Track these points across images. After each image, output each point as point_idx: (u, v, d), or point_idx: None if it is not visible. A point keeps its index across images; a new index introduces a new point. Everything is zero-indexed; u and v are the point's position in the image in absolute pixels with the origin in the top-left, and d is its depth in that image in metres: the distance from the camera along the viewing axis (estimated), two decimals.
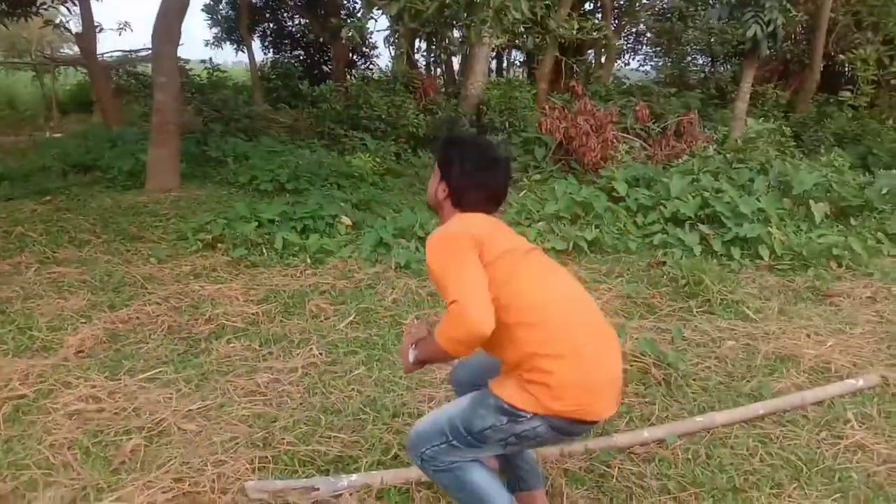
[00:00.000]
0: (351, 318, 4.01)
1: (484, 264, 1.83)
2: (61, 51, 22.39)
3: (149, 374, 3.23)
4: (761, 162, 7.62)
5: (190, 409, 2.92)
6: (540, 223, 5.89)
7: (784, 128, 9.79)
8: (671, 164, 7.98)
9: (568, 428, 1.86)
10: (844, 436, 2.84)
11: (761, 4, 8.97)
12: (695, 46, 15.62)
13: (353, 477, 2.44)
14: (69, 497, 2.33)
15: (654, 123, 9.35)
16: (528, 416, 1.82)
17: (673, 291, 4.64)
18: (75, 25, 13.71)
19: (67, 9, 12.77)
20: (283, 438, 2.70)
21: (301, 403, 3.02)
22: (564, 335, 1.83)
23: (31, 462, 2.51)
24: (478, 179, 2.04)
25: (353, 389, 3.17)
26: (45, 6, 11.16)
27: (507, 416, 1.84)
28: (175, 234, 5.74)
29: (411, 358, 2.01)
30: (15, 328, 3.67)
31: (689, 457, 2.68)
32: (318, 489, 2.36)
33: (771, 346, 3.75)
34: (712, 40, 14.46)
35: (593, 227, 5.79)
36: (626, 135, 8.68)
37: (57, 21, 13.07)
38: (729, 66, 16.76)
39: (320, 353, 3.51)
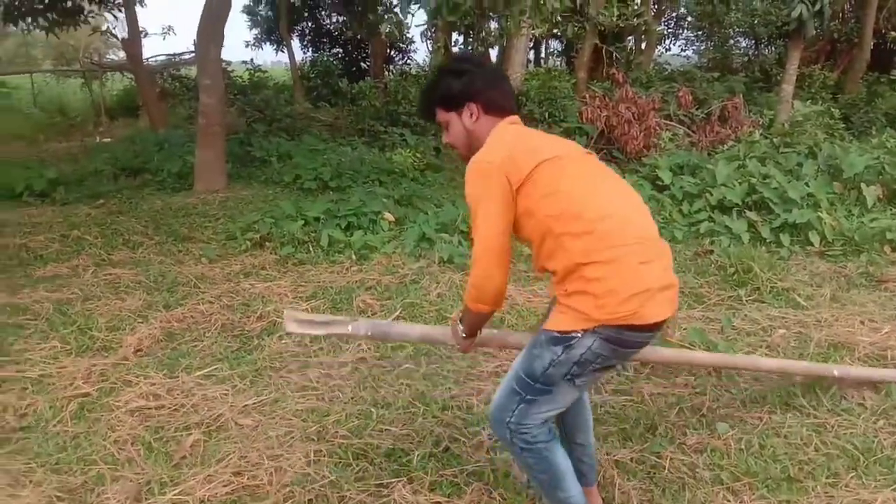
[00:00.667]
0: (397, 313, 4.06)
1: (517, 186, 1.85)
2: (108, 56, 23.02)
3: (205, 371, 3.33)
4: (809, 146, 7.43)
5: (245, 405, 3.00)
6: None
7: (832, 110, 9.51)
8: (716, 151, 7.84)
9: (623, 337, 1.82)
10: None
11: None
12: (737, 29, 15.30)
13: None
14: (135, 490, 2.42)
15: (697, 109, 9.19)
16: (579, 335, 1.81)
17: (721, 280, 4.58)
18: (121, 31, 14.08)
19: (114, 15, 13.10)
20: (337, 432, 2.77)
21: (352, 398, 3.08)
22: (611, 242, 1.79)
23: (98, 457, 2.62)
24: (493, 82, 2.08)
25: (402, 384, 3.21)
26: (92, 14, 11.51)
27: (559, 344, 1.84)
28: (224, 233, 5.87)
29: (462, 334, 2.10)
30: (76, 329, 3.82)
31: (742, 447, 2.65)
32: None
33: (823, 334, 3.68)
34: (755, 22, 14.14)
35: None
36: (668, 122, 8.55)
37: (104, 28, 13.44)
38: (773, 48, 16.37)
39: (369, 349, 3.56)
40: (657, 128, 8.08)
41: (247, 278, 4.77)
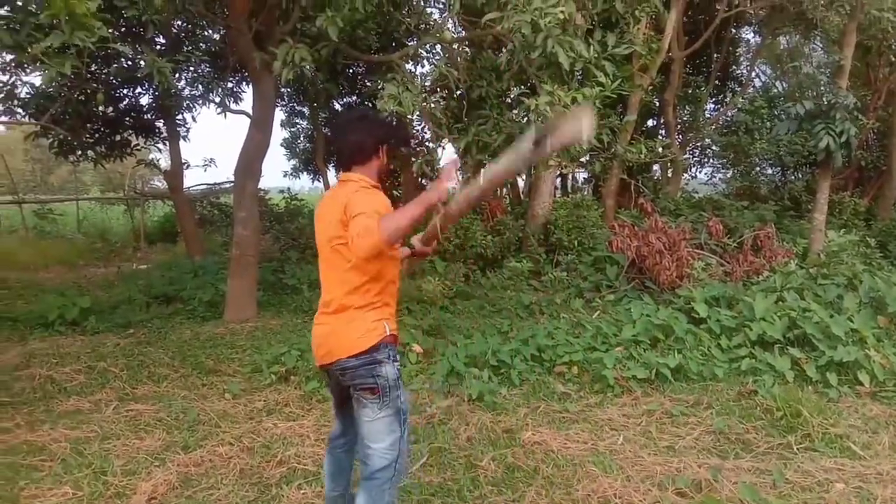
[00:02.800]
0: (424, 459, 3.86)
1: None
2: (152, 184, 24.08)
3: None
4: (848, 276, 7.26)
5: None
6: (617, 348, 5.68)
7: (867, 238, 9.39)
8: (751, 281, 7.68)
9: None
10: None
11: (831, 116, 8.87)
12: (763, 158, 15.49)
13: None
14: None
15: (728, 238, 9.12)
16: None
17: (769, 425, 4.31)
18: (165, 162, 14.77)
19: (158, 149, 13.77)
20: None
21: None
22: None
23: None
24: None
25: None
26: (138, 147, 12.10)
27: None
28: (250, 366, 5.79)
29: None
30: (91, 472, 3.67)
31: None
32: None
33: (889, 492, 3.38)
34: (781, 151, 14.32)
35: (675, 352, 5.54)
36: (700, 251, 8.47)
37: (148, 160, 14.10)
38: (800, 175, 16.47)
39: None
40: (689, 258, 7.98)
41: (269, 416, 4.62)
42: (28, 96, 8.33)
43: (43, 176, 36.49)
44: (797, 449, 3.99)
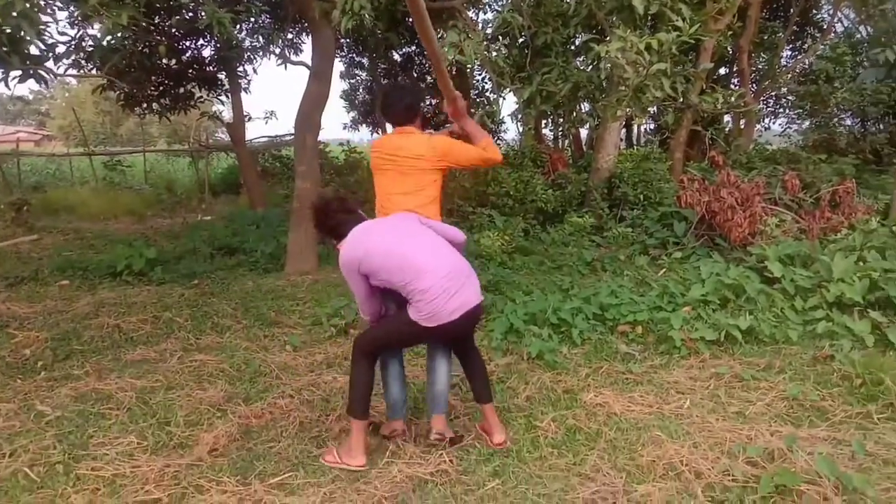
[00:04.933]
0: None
1: None
2: (217, 136, 24.51)
3: (279, 478, 3.14)
4: None
5: None
6: (685, 308, 5.46)
7: None
8: (828, 239, 7.27)
9: None
10: None
11: None
12: (843, 108, 14.62)
13: None
14: None
15: (804, 193, 8.64)
16: None
17: (847, 392, 4.07)
18: (228, 115, 14.92)
19: (220, 101, 13.90)
20: None
21: None
22: None
23: None
24: None
25: None
26: (201, 100, 12.23)
27: None
28: (311, 318, 5.83)
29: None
30: (156, 422, 3.75)
31: None
32: None
33: None
34: (864, 101, 13.46)
35: (746, 313, 5.29)
36: (774, 207, 8.05)
37: (212, 112, 14.27)
38: (883, 126, 15.50)
39: (451, 460, 3.29)
40: (763, 214, 7.60)
41: (329, 369, 4.64)
42: (90, 48, 8.42)
43: (112, 128, 37.59)
44: (878, 419, 3.75)
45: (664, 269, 6.98)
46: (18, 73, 3.82)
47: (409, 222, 3.31)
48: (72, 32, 8.13)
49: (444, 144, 3.56)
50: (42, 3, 3.62)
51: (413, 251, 3.12)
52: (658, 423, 3.71)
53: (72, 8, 6.66)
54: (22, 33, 3.27)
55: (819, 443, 3.47)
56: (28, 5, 3.30)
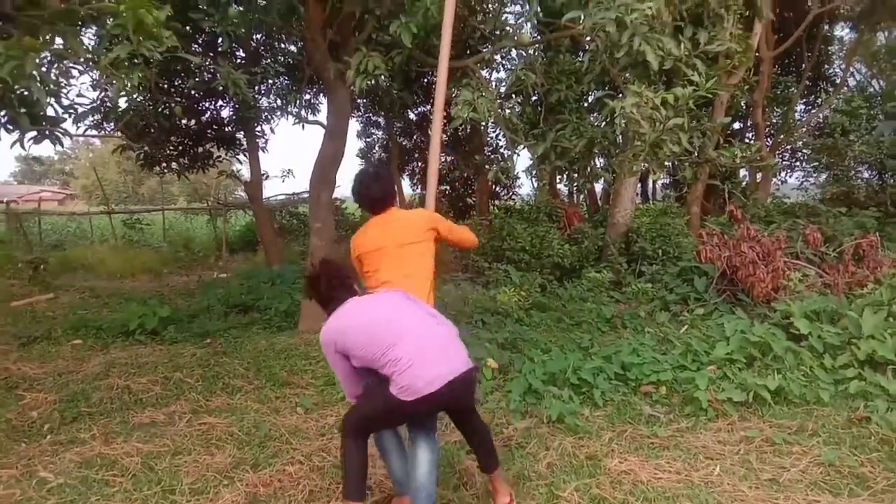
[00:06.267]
0: None
1: None
2: (236, 193, 24.84)
3: None
4: None
5: None
6: (710, 367, 5.27)
7: None
8: (854, 294, 7.06)
9: None
10: None
11: None
12: (860, 161, 14.53)
13: None
14: None
15: (827, 247, 8.47)
16: None
17: (887, 458, 3.85)
18: (246, 173, 15.10)
19: (238, 161, 14.08)
20: None
21: None
22: None
23: None
24: None
25: None
26: (220, 159, 12.38)
27: None
28: (323, 378, 5.69)
29: None
30: (160, 490, 3.61)
31: None
32: None
33: None
34: (882, 154, 13.35)
35: (774, 372, 5.09)
36: (797, 261, 7.88)
37: (230, 171, 14.44)
38: None
39: None
40: (785, 268, 7.42)
41: (340, 432, 4.47)
42: (107, 109, 8.56)
43: (134, 187, 38.31)
44: None
45: (686, 326, 6.80)
46: (34, 133, 3.83)
47: (396, 295, 3.21)
48: (92, 95, 8.30)
49: (433, 214, 3.77)
50: (57, 65, 3.65)
51: (389, 316, 3.02)
52: (687, 491, 3.51)
53: (93, 71, 6.80)
54: (35, 96, 3.27)
55: None
56: (44, 69, 3.33)
